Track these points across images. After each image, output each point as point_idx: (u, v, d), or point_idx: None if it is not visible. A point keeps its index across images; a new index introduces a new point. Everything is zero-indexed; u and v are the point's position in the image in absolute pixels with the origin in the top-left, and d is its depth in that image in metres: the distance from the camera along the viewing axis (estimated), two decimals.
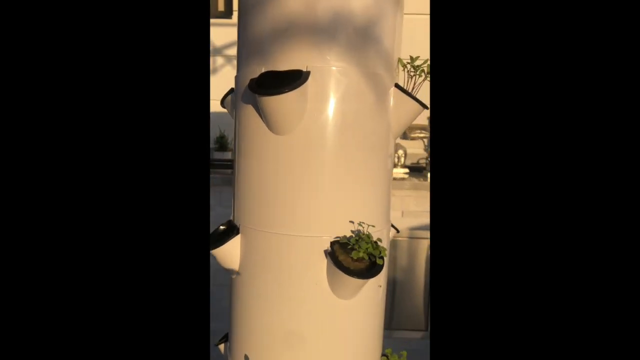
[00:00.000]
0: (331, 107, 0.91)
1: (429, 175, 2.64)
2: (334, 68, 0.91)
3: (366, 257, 0.84)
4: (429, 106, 1.04)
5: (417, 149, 2.98)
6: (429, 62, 1.01)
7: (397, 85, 1.00)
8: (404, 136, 2.96)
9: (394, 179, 2.68)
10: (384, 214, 1.02)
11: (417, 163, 2.95)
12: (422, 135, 2.90)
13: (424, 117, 2.90)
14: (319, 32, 0.90)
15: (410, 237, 2.53)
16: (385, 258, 0.87)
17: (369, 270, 0.84)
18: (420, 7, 2.90)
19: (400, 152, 2.81)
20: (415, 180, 2.52)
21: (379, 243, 0.89)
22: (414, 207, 2.54)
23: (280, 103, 0.85)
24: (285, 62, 0.90)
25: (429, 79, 1.03)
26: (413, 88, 1.04)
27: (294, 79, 0.86)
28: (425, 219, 2.56)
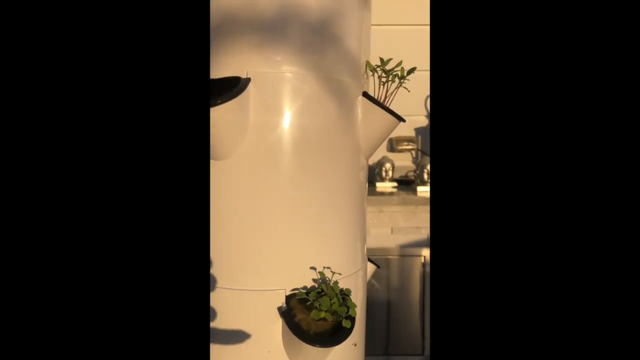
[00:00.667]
0: (282, 122, 0.70)
1: (418, 189, 2.43)
2: (288, 74, 0.70)
3: (330, 318, 0.63)
4: (405, 118, 0.84)
5: (405, 162, 2.78)
6: (402, 66, 0.81)
7: (365, 94, 0.79)
8: (391, 149, 2.76)
9: (382, 193, 2.47)
10: (357, 253, 0.80)
11: (406, 176, 2.74)
12: (409, 147, 2.70)
13: (410, 129, 2.70)
14: (265, 31, 0.70)
15: (402, 255, 2.31)
16: (355, 317, 0.65)
17: (333, 334, 0.63)
18: (407, 18, 2.72)
19: (388, 165, 2.60)
20: (404, 195, 2.30)
21: (347, 296, 0.67)
22: (403, 223, 2.32)
23: (211, 118, 0.64)
24: (222, 68, 0.69)
25: (404, 85, 0.82)
26: (385, 97, 0.83)
27: (228, 87, 0.65)
28: (416, 236, 2.35)
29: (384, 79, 0.82)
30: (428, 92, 2.59)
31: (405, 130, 2.69)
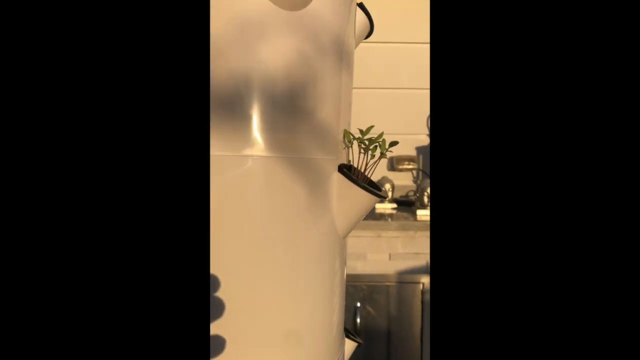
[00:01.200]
0: (240, 214, 0.62)
1: (417, 212, 2.33)
2: (249, 158, 0.61)
3: None
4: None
5: (406, 181, 2.69)
6: (384, 137, 0.72)
7: (341, 170, 0.70)
8: (392, 168, 2.67)
9: (382, 215, 2.38)
10: (331, 348, 0.72)
11: (406, 196, 2.65)
12: (410, 167, 2.60)
13: (412, 148, 2.61)
14: (222, 108, 0.61)
15: (400, 282, 2.22)
16: None
17: None
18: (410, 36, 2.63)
19: (388, 186, 2.51)
20: (402, 220, 2.21)
21: None
22: (401, 249, 2.23)
23: None
24: None
25: (387, 157, 0.74)
26: (366, 167, 0.74)
27: None
28: (415, 262, 2.26)
29: (363, 147, 0.74)
30: (429, 111, 2.49)
31: (406, 149, 2.60)
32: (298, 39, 0.64)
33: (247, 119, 0.62)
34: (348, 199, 0.69)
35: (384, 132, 0.73)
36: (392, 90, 2.55)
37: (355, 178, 0.69)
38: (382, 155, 0.71)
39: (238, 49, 0.62)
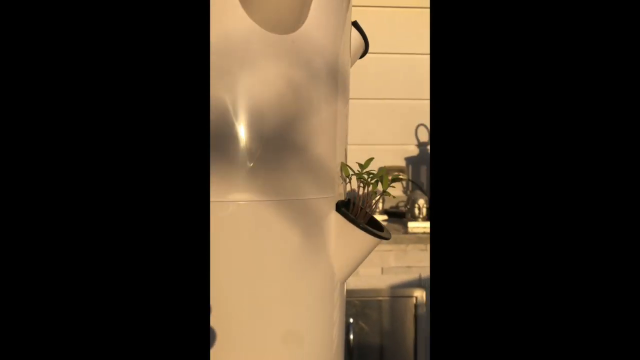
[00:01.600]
0: (229, 262, 0.53)
1: (409, 224, 2.26)
2: (237, 204, 0.53)
3: None
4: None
5: (396, 192, 2.62)
6: (386, 172, 0.64)
7: (339, 209, 0.62)
8: None
9: None
10: None
11: (397, 207, 2.57)
12: (400, 177, 2.53)
13: (401, 158, 2.54)
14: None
15: (393, 296, 2.15)
16: None
17: None
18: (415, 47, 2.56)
19: (378, 197, 2.43)
20: (394, 233, 2.14)
21: None
22: (394, 263, 2.16)
23: None
24: None
25: (388, 194, 0.66)
26: (367, 203, 0.67)
27: None
28: (407, 276, 2.18)
29: (363, 182, 0.66)
30: (419, 121, 2.44)
31: (395, 159, 2.53)
32: (289, 65, 0.56)
33: (230, 158, 0.53)
34: (347, 241, 0.61)
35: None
36: (380, 100, 2.49)
37: (354, 217, 0.61)
38: (385, 192, 0.64)
39: (221, 78, 0.54)
